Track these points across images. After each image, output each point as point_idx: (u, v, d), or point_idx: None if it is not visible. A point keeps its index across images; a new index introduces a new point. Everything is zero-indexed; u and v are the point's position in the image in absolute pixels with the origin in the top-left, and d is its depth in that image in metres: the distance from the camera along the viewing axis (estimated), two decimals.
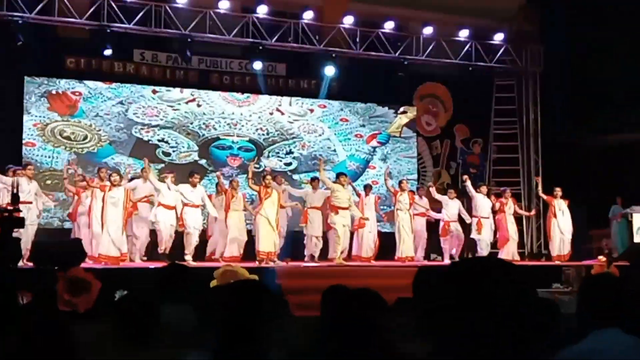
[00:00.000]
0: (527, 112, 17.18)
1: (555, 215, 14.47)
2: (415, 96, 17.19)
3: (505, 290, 1.51)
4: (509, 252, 14.26)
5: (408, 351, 2.67)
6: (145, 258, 12.83)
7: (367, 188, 14.44)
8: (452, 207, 14.55)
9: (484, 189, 14.59)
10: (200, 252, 12.99)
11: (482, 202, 14.35)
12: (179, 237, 12.65)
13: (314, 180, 14.10)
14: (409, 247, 13.90)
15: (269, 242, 12.47)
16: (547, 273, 12.96)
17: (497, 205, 14.58)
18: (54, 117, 14.38)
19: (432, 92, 17.40)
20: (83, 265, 9.57)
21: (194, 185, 12.66)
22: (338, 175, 13.78)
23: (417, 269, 3.94)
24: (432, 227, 14.83)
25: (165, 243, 12.45)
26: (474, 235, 14.35)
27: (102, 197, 11.96)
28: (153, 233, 12.80)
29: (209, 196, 13.15)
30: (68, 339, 2.43)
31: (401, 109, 17.04)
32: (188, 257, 12.27)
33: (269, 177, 12.98)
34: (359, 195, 13.99)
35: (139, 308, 3.17)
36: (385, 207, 15.51)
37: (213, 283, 7.17)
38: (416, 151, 17.13)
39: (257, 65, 15.04)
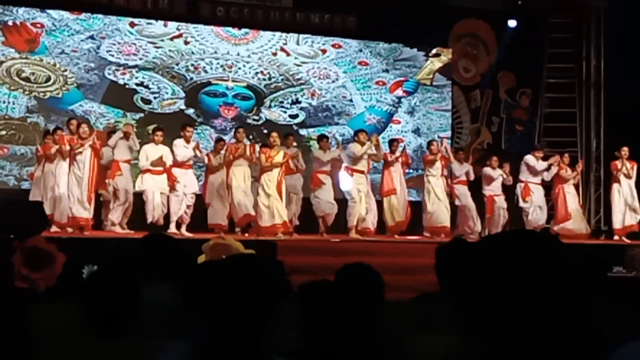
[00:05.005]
0: (588, 58, 17.05)
1: (619, 181, 14.48)
2: (451, 36, 17.06)
3: (556, 269, 1.51)
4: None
5: (429, 344, 2.70)
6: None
7: (394, 144, 14.38)
8: (494, 177, 14.63)
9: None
10: (198, 221, 13.14)
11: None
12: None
13: (322, 139, 14.14)
14: (444, 215, 13.95)
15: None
16: (606, 254, 12.95)
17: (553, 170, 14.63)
18: (10, 53, 14.35)
19: (471, 30, 17.27)
20: (44, 234, 9.62)
21: (187, 141, 12.83)
22: (357, 132, 13.80)
23: (436, 249, 3.95)
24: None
25: (155, 213, 12.71)
26: (521, 204, 14.53)
27: (70, 153, 12.12)
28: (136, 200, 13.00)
29: (207, 155, 13.37)
30: (24, 322, 2.44)
31: (433, 51, 16.92)
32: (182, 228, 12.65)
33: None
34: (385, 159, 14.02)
35: (113, 286, 3.18)
36: (411, 171, 15.48)
37: (201, 258, 7.22)
38: (451, 103, 17.05)
39: None
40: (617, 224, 14.60)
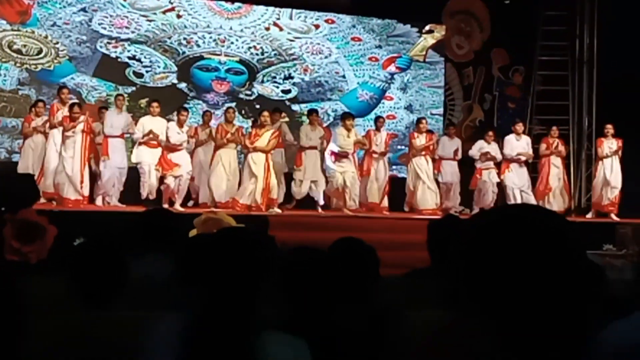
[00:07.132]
0: (582, 36, 17.02)
1: (603, 159, 14.47)
2: (445, 12, 17.01)
3: (546, 248, 1.50)
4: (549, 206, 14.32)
5: (421, 319, 2.70)
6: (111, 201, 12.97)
7: (379, 122, 14.39)
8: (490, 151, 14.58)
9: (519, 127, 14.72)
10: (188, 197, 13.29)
11: (514, 144, 14.46)
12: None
13: (311, 114, 14.07)
14: (431, 197, 13.98)
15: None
16: (597, 232, 12.97)
17: (543, 146, 14.65)
18: (2, 25, 14.26)
19: (465, 7, 17.21)
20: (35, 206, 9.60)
21: (181, 125, 12.85)
22: (344, 117, 13.75)
23: (428, 225, 3.96)
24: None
25: (149, 188, 12.73)
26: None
27: (62, 135, 12.18)
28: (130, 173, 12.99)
29: (195, 129, 13.42)
30: (15, 295, 2.43)
31: (427, 28, 16.88)
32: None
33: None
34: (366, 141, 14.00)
35: (102, 258, 3.17)
36: (403, 147, 15.49)
37: (192, 233, 7.21)
38: (443, 80, 17.03)
39: None
40: (594, 199, 14.72)
